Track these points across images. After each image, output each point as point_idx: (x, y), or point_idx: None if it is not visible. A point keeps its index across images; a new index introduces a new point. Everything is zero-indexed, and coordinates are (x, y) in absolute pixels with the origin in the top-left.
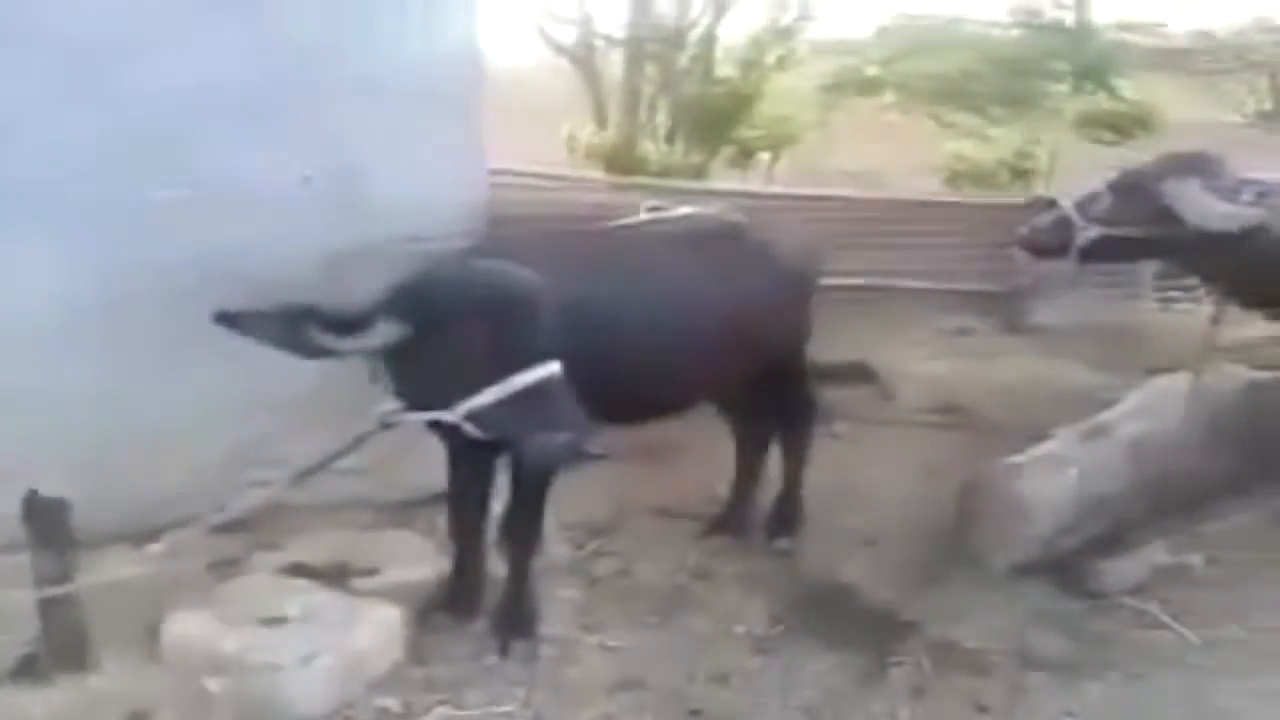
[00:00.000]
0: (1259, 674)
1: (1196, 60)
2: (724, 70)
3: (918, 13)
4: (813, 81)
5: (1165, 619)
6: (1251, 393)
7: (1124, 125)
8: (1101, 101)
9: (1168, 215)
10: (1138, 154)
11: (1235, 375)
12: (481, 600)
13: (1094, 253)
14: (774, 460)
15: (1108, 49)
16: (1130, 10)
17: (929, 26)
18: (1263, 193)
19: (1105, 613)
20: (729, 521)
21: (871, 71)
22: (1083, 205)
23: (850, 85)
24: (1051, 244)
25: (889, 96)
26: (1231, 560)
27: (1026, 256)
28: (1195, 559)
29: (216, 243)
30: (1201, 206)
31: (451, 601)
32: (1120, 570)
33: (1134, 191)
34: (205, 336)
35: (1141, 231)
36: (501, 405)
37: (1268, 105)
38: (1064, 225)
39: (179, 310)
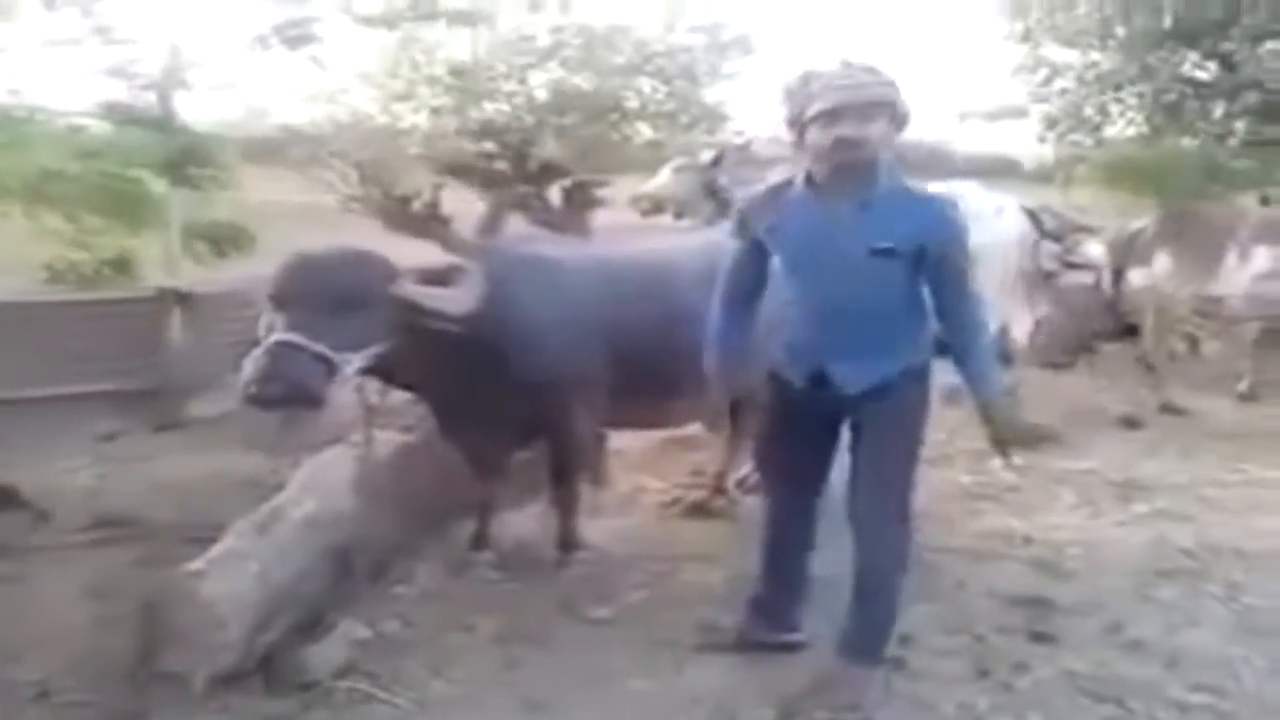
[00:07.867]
0: None
1: (290, 152)
2: None
3: None
4: None
5: (376, 692)
6: (403, 456)
7: (223, 238)
8: (204, 199)
9: (417, 316)
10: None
11: (389, 441)
12: None
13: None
14: None
15: (201, 142)
16: (210, 107)
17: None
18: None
19: (320, 701)
20: None
21: None
22: (308, 328)
23: None
24: (305, 391)
25: None
26: (424, 619)
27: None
28: (392, 625)
29: None
30: (444, 296)
31: None
32: (324, 654)
33: (350, 305)
34: None
35: (402, 343)
36: None
37: (357, 190)
38: (306, 363)
39: None
